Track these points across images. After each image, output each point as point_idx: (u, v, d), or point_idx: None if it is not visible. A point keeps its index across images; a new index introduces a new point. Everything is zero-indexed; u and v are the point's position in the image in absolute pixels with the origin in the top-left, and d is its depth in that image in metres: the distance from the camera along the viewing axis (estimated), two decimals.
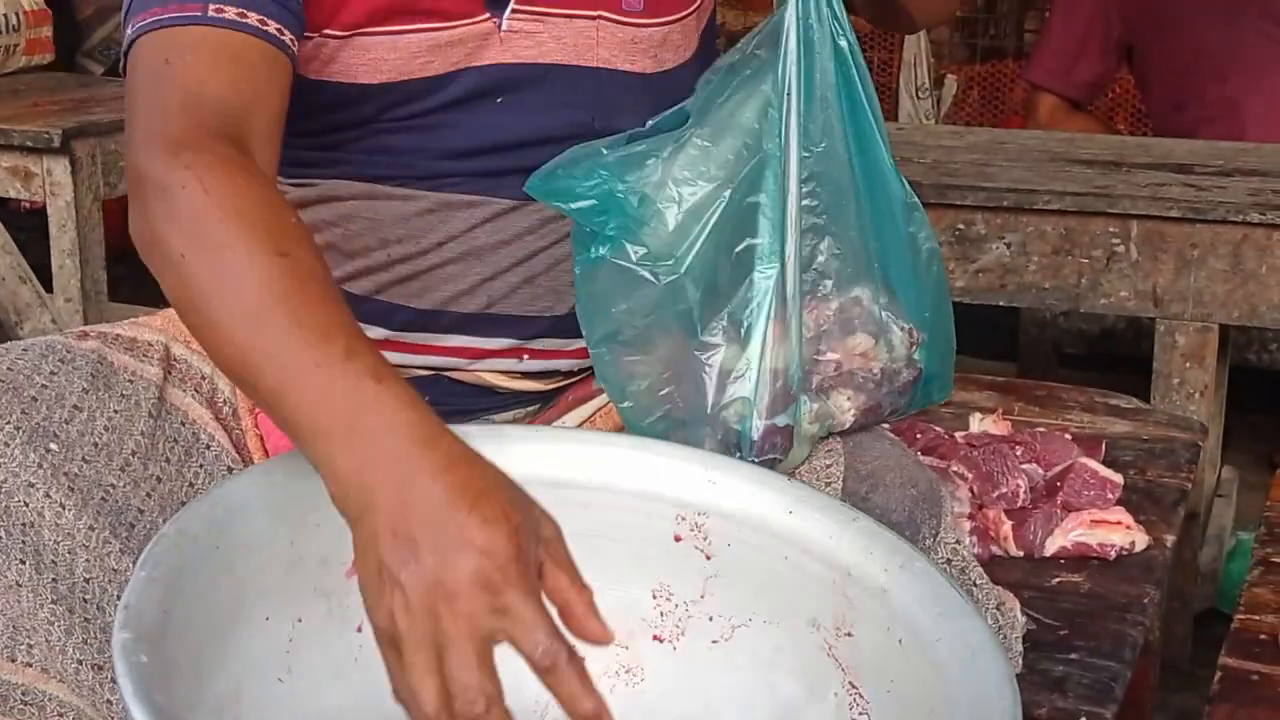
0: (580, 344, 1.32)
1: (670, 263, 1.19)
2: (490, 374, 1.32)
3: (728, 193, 1.20)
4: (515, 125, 1.26)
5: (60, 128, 2.76)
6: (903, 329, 1.24)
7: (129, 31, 1.16)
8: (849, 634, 1.08)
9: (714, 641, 1.13)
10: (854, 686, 1.07)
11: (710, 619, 1.14)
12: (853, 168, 1.22)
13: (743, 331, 1.20)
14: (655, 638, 1.14)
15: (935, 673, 1.02)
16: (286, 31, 1.16)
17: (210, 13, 1.13)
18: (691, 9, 1.35)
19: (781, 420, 1.21)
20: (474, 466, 0.94)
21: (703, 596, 1.14)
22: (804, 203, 1.20)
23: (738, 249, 1.21)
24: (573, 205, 1.19)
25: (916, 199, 1.25)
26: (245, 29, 1.14)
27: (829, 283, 1.22)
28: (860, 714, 1.06)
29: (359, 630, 1.08)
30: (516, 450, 1.13)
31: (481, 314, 1.29)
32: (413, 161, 1.26)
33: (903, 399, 1.28)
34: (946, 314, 1.28)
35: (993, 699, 0.98)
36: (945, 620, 1.04)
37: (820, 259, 1.21)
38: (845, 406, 1.25)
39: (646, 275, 1.19)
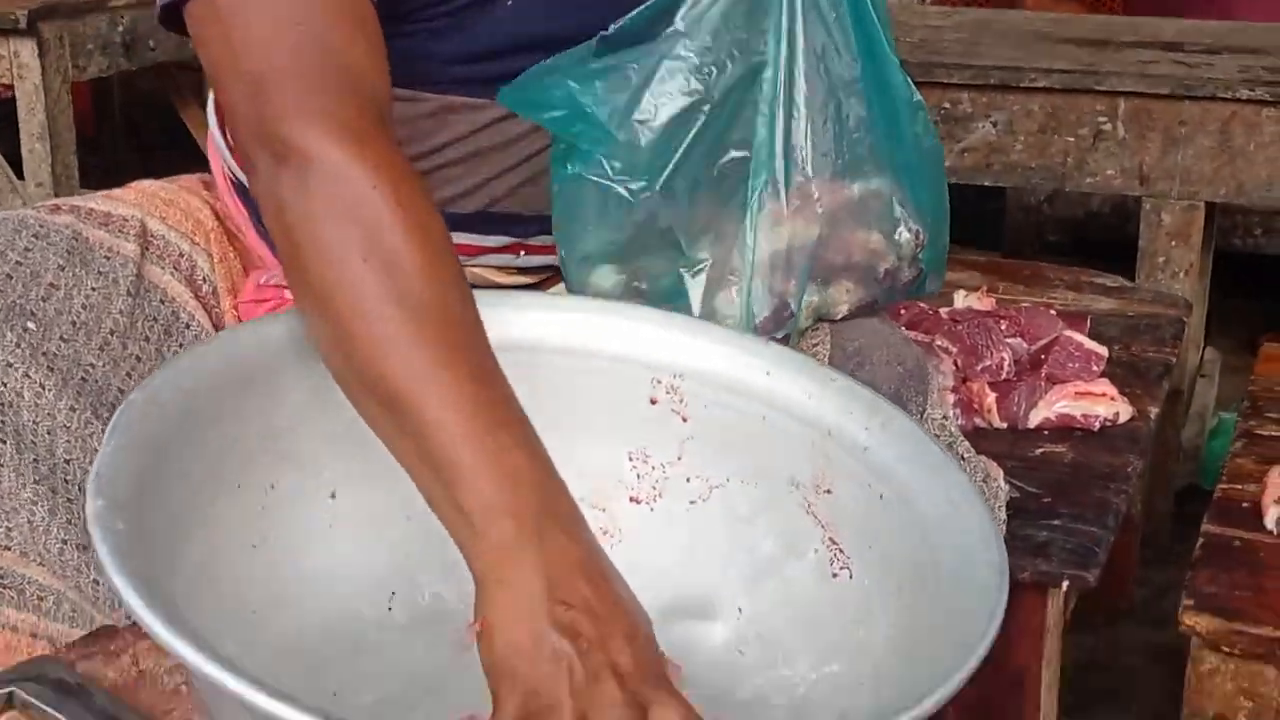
0: None
1: (645, 180, 1.16)
2: (486, 269, 1.31)
3: (708, 107, 1.16)
4: (526, 27, 1.22)
5: (26, 8, 2.70)
6: (911, 229, 1.23)
7: None
8: (828, 491, 1.08)
9: (691, 502, 1.13)
10: (834, 542, 1.07)
11: (688, 480, 1.13)
12: (859, 64, 1.19)
13: (736, 246, 1.18)
14: (632, 499, 1.14)
15: (918, 526, 1.02)
16: None
17: None
18: None
19: (779, 334, 1.20)
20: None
21: (680, 458, 1.13)
22: (808, 99, 1.17)
23: (723, 160, 1.18)
24: (544, 116, 1.15)
25: (920, 97, 1.23)
26: None
27: (843, 165, 1.19)
28: (841, 568, 1.06)
29: (333, 497, 1.07)
30: (493, 315, 1.11)
31: (482, 213, 1.27)
32: (421, 65, 1.22)
33: (897, 294, 1.28)
34: (944, 212, 1.27)
35: (977, 549, 0.98)
36: (927, 475, 1.04)
37: (835, 144, 1.19)
38: (843, 299, 1.24)
39: (623, 193, 1.16)
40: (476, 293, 1.21)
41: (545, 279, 1.34)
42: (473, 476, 0.91)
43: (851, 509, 1.07)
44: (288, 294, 1.29)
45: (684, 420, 1.13)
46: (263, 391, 1.03)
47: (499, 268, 1.31)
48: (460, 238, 1.27)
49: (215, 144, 1.36)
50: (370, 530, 1.09)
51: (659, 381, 1.13)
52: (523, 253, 1.30)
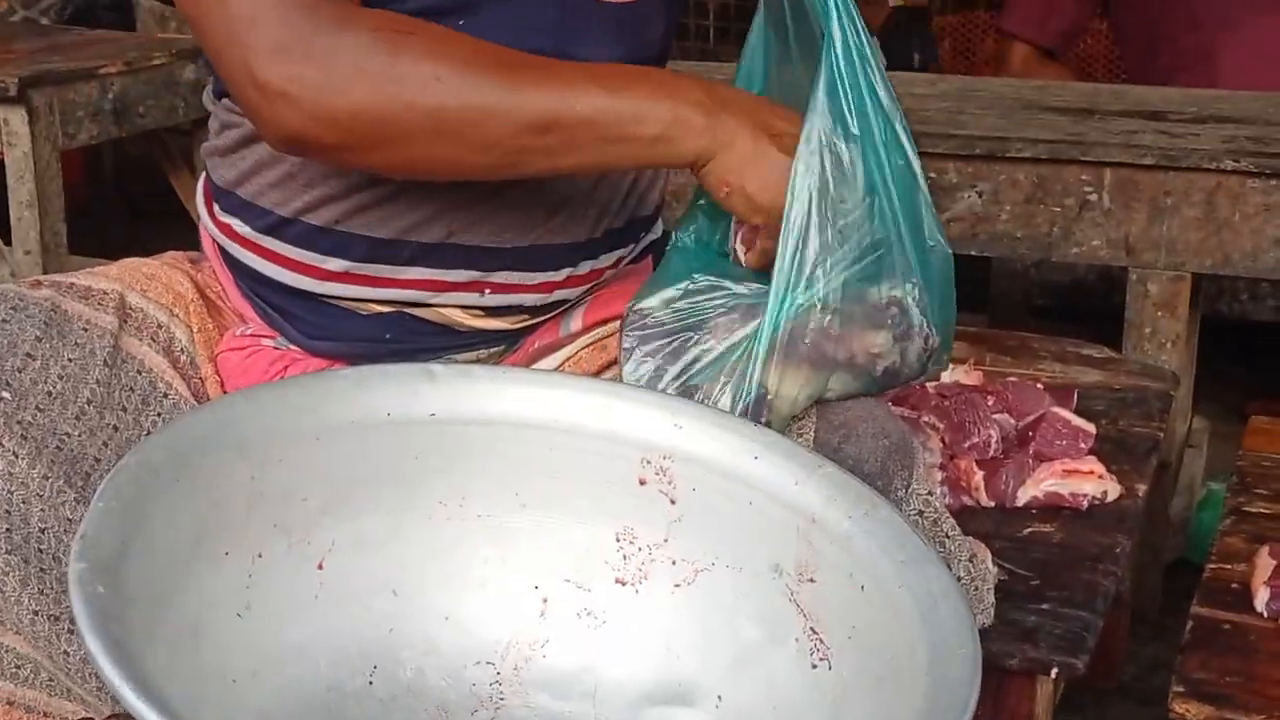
0: (543, 278, 1.31)
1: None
2: (452, 309, 1.30)
3: None
4: None
5: (16, 76, 2.70)
6: (922, 336, 1.22)
7: None
8: (811, 579, 1.08)
9: (676, 585, 1.13)
10: (815, 632, 1.07)
11: (673, 563, 1.13)
12: (886, 168, 1.20)
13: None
14: (618, 581, 1.14)
15: (897, 619, 1.02)
16: None
17: None
18: None
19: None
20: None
21: (666, 540, 1.13)
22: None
23: None
24: None
25: (931, 199, 1.24)
26: None
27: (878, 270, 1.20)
28: (820, 659, 1.06)
29: (320, 568, 1.08)
30: (484, 390, 1.13)
31: (442, 244, 1.27)
32: None
33: (891, 387, 1.28)
34: (953, 315, 1.27)
35: (953, 645, 0.98)
36: (908, 567, 1.04)
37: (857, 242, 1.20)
38: (835, 389, 1.23)
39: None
40: (468, 368, 1.22)
41: (521, 326, 1.33)
42: (649, 104, 1.14)
43: (833, 599, 1.07)
44: (264, 343, 1.32)
45: (672, 502, 1.13)
46: (254, 460, 1.04)
47: (463, 307, 1.30)
48: (423, 272, 1.29)
49: (201, 216, 1.37)
50: (355, 603, 1.09)
51: (648, 462, 1.13)
52: (487, 291, 1.30)
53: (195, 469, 1.00)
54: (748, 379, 1.18)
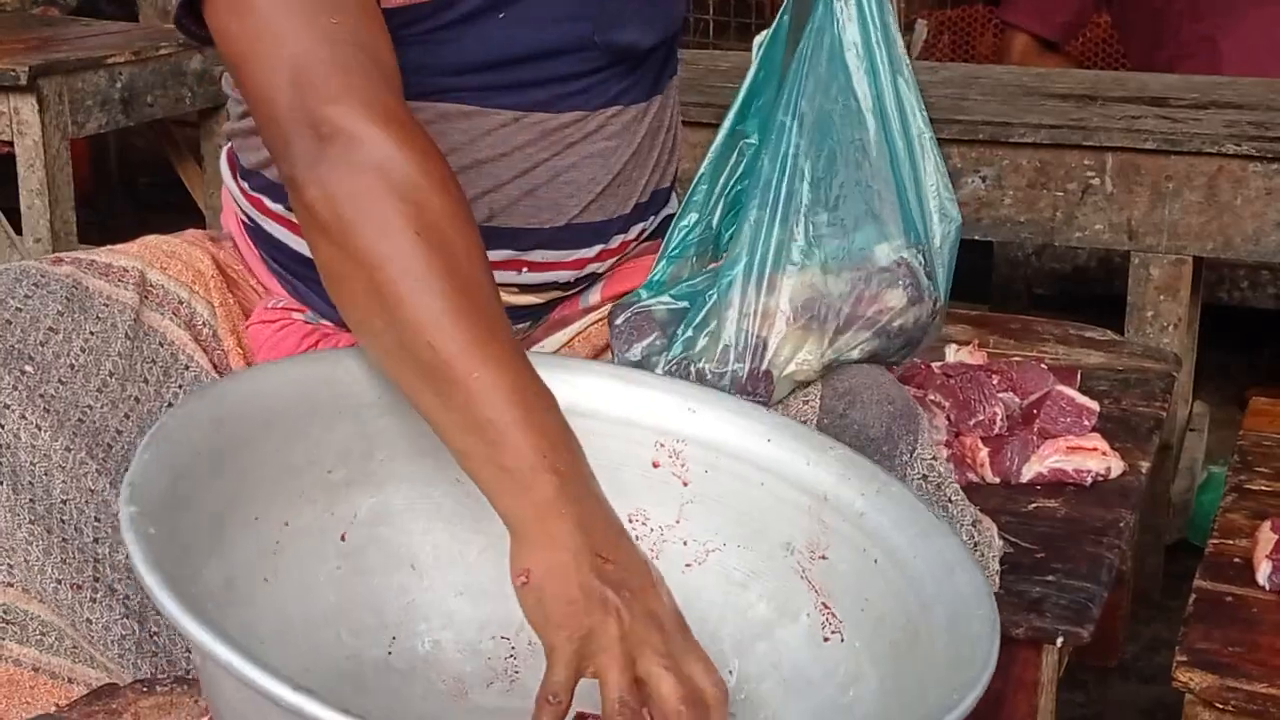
0: (578, 255, 1.33)
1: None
2: None
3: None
4: (516, 39, 1.26)
5: (27, 65, 2.72)
6: (932, 299, 1.25)
7: None
8: (823, 556, 1.10)
9: (688, 565, 1.15)
10: (826, 607, 1.09)
11: (685, 543, 1.15)
12: (889, 130, 1.23)
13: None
14: None
15: (910, 586, 1.04)
16: None
17: None
18: None
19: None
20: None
21: (678, 521, 1.15)
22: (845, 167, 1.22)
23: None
24: None
25: (945, 166, 1.27)
26: None
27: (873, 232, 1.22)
28: (832, 632, 1.08)
29: (343, 539, 1.09)
30: None
31: (482, 226, 1.28)
32: (415, 77, 1.24)
33: (900, 354, 1.30)
34: (948, 280, 1.30)
35: (971, 607, 0.99)
36: (921, 539, 1.06)
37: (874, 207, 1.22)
38: (854, 350, 1.25)
39: None
40: None
41: (551, 299, 1.36)
42: (517, 437, 1.00)
43: (845, 573, 1.09)
44: (295, 315, 1.33)
45: (684, 484, 1.15)
46: (283, 430, 1.06)
47: (501, 285, 1.32)
48: None
49: (228, 189, 1.39)
50: (377, 575, 1.11)
51: (662, 445, 1.16)
52: (525, 269, 1.32)
53: (231, 432, 1.02)
54: (747, 340, 1.21)
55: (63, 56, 2.84)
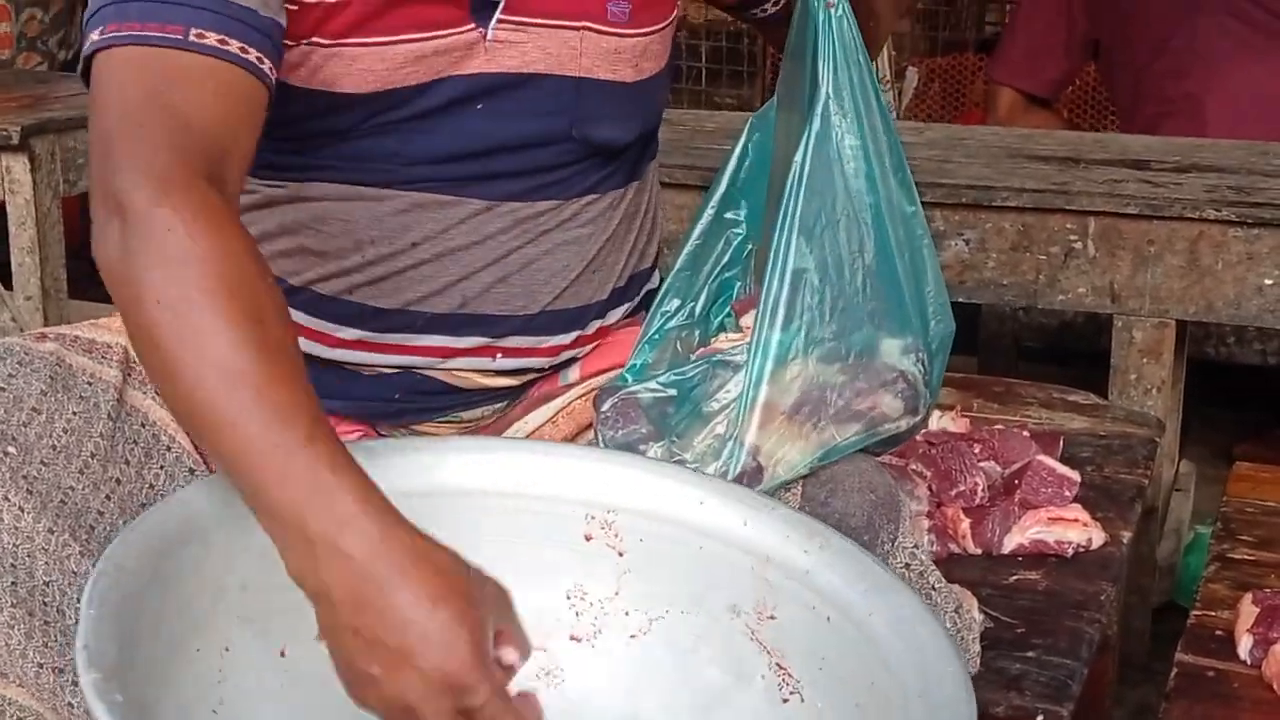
0: (553, 342, 1.33)
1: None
2: (463, 372, 1.33)
3: None
4: (493, 131, 1.27)
5: (19, 124, 2.73)
6: (926, 406, 1.25)
7: (95, 36, 1.12)
8: (771, 616, 1.09)
9: (632, 636, 1.14)
10: (781, 667, 1.08)
11: (626, 614, 1.14)
12: (890, 231, 1.25)
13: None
14: (573, 638, 1.15)
15: (872, 647, 1.02)
16: (266, 59, 1.14)
17: (192, 38, 1.10)
18: (671, 19, 1.37)
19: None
20: (429, 561, 0.96)
21: (617, 593, 1.15)
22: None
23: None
24: None
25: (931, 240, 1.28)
26: (227, 57, 1.11)
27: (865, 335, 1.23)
28: (791, 692, 1.07)
29: (283, 655, 1.08)
30: (423, 461, 1.14)
31: (454, 314, 1.30)
32: (389, 165, 1.26)
33: (886, 449, 1.31)
34: (940, 380, 1.30)
35: (936, 664, 0.98)
36: (874, 595, 1.05)
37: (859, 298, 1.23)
38: (844, 447, 1.25)
39: None
40: (408, 440, 1.21)
41: (528, 380, 1.36)
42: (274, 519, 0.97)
43: (797, 633, 1.08)
44: None
45: (620, 555, 1.14)
46: (216, 552, 1.05)
47: (476, 371, 1.33)
48: (435, 339, 1.31)
49: None
50: (319, 687, 1.06)
51: (593, 517, 1.14)
52: (499, 355, 1.32)
53: (164, 566, 1.01)
54: (736, 442, 1.20)
55: (55, 115, 2.85)
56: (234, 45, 1.12)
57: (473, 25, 1.25)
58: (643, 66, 1.33)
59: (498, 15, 1.26)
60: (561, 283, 1.32)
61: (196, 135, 1.08)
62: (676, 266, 1.32)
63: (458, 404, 1.34)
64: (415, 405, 1.33)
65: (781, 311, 1.20)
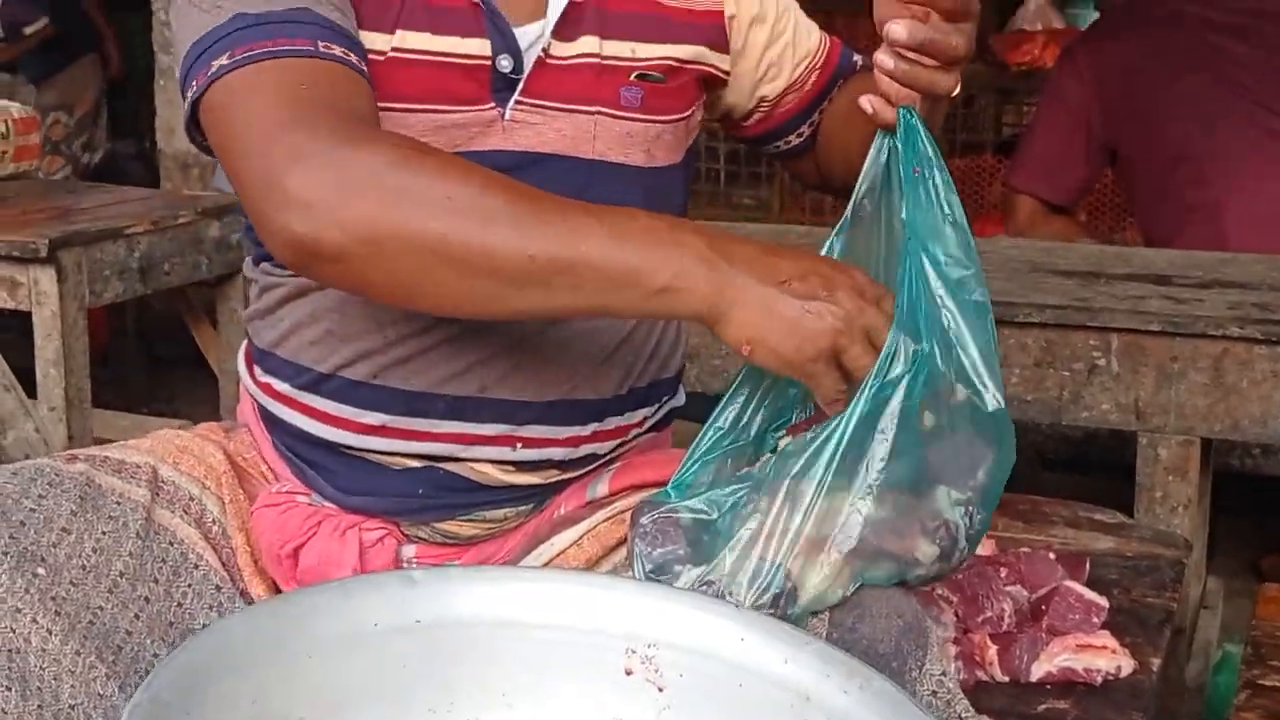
0: (571, 432, 1.34)
1: None
2: (484, 464, 1.33)
3: None
4: None
5: (47, 237, 2.77)
6: (961, 557, 1.24)
7: (222, 61, 1.18)
8: None
9: None
10: None
11: None
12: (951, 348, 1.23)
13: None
14: None
15: None
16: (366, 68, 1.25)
17: (320, 49, 1.20)
18: (684, 115, 1.40)
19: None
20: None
21: None
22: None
23: None
24: None
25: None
26: (351, 65, 1.22)
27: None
28: None
29: None
30: (463, 591, 1.13)
31: (474, 398, 1.31)
32: None
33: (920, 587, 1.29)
34: (981, 534, 1.27)
35: None
36: None
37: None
38: (873, 579, 1.23)
39: None
40: (446, 570, 1.22)
41: (550, 479, 1.36)
42: (653, 254, 1.11)
43: None
44: (299, 499, 1.34)
45: (660, 690, 1.13)
46: (252, 682, 1.04)
47: (495, 462, 1.33)
48: (456, 426, 1.32)
49: (244, 383, 1.42)
50: None
51: (633, 651, 1.14)
52: (519, 445, 1.33)
53: (200, 700, 1.00)
54: (770, 568, 1.19)
55: (82, 227, 2.90)
56: (353, 58, 1.22)
57: (492, 104, 1.30)
58: (655, 154, 1.37)
59: (516, 96, 1.30)
60: (576, 372, 1.33)
61: (359, 113, 1.18)
62: (732, 388, 1.31)
63: (481, 501, 1.35)
64: (439, 501, 1.34)
65: (839, 464, 1.18)
